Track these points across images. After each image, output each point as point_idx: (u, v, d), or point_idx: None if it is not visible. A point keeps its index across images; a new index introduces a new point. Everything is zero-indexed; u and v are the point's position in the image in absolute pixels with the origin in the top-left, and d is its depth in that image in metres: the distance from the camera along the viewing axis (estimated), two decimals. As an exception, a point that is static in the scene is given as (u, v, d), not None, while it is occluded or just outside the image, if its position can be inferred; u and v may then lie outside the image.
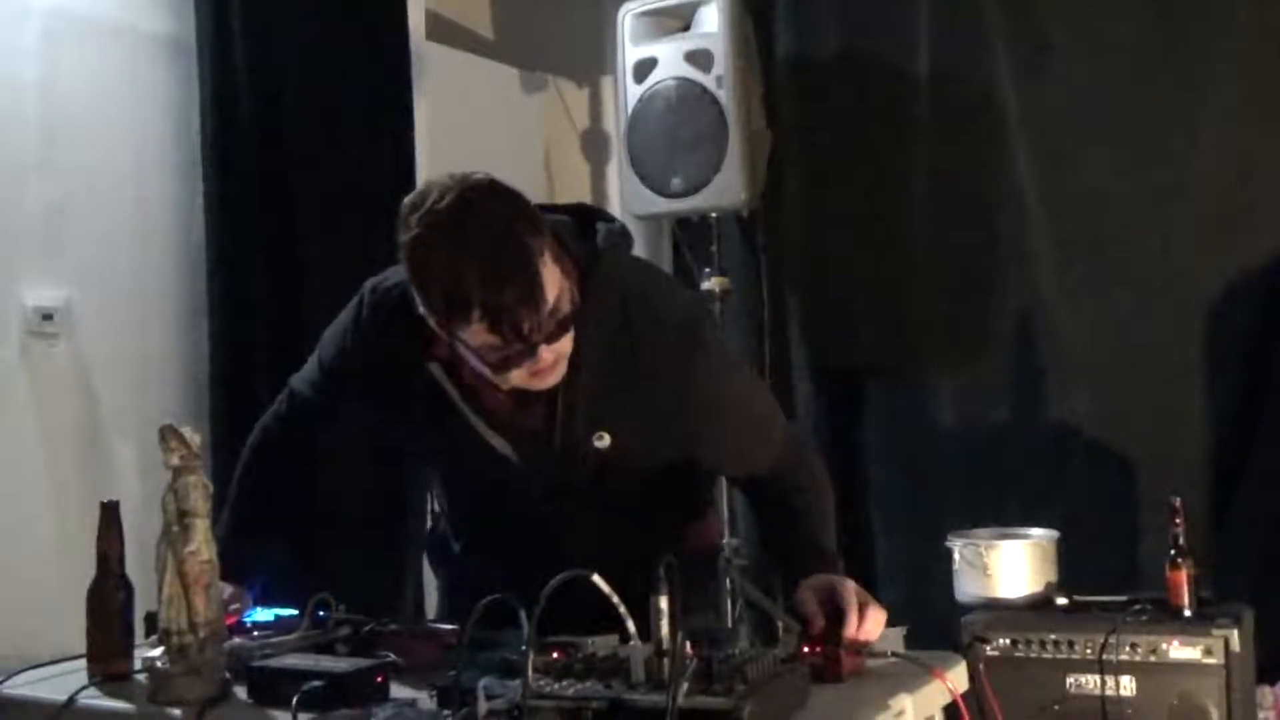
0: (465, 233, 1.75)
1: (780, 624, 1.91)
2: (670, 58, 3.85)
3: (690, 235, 4.18)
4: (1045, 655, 3.15)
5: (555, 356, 1.83)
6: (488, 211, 1.76)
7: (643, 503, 2.05)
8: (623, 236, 2.07)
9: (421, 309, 1.81)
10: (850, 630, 1.82)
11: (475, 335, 1.77)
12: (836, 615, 1.84)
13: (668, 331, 1.96)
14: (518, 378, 1.84)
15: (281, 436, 2.25)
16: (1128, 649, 3.06)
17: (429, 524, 2.43)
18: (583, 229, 2.01)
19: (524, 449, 1.99)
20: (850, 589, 1.89)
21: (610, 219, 2.08)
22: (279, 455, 2.25)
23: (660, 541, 1.98)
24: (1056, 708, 3.12)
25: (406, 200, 1.80)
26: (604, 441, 1.96)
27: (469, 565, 2.25)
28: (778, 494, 2.11)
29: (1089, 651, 3.09)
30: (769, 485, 2.12)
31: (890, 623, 1.90)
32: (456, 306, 1.75)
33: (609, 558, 1.90)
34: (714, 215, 3.93)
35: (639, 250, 4.53)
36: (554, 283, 1.78)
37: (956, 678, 1.81)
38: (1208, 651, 3.01)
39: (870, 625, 1.85)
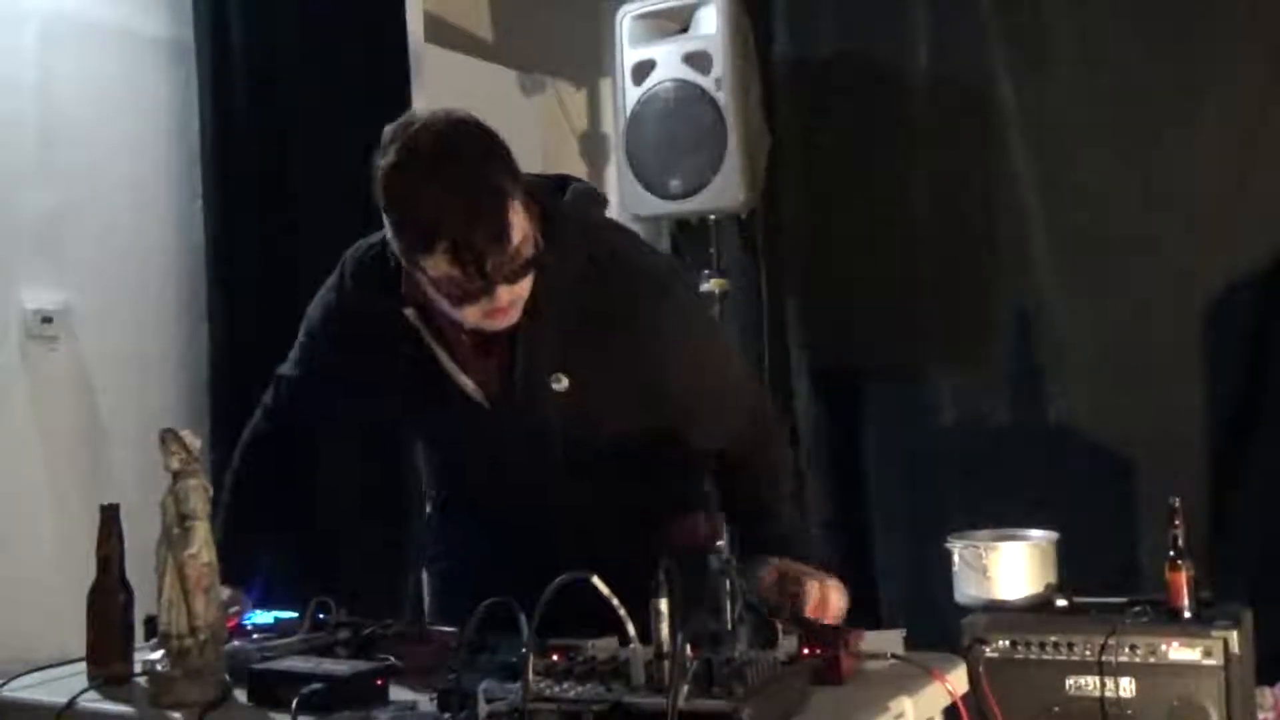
0: (442, 164, 1.79)
1: (780, 626, 1.91)
2: (669, 59, 3.85)
3: (689, 237, 4.18)
4: (1045, 657, 3.15)
5: (512, 298, 1.87)
6: (467, 147, 1.82)
7: (618, 471, 2.06)
8: (593, 196, 2.12)
9: (390, 235, 1.86)
10: (810, 609, 1.83)
11: (437, 266, 1.81)
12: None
13: (636, 282, 2.00)
14: (473, 315, 1.88)
15: (272, 433, 2.26)
16: (1127, 650, 3.06)
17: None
18: (557, 188, 2.07)
19: (491, 391, 2.01)
20: (806, 570, 1.94)
21: (583, 183, 2.13)
22: (271, 454, 2.26)
23: (640, 518, 2.02)
24: (1056, 709, 3.12)
25: (389, 127, 1.85)
26: (561, 384, 1.98)
27: (451, 534, 2.30)
28: (749, 488, 2.14)
29: (1089, 653, 3.09)
30: (737, 473, 2.15)
31: (890, 624, 1.90)
32: (424, 235, 1.80)
33: (588, 530, 1.96)
34: (713, 217, 3.93)
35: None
36: (520, 226, 1.82)
37: (956, 679, 1.81)
38: (1207, 653, 3.01)
39: (832, 605, 1.90)
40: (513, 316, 1.91)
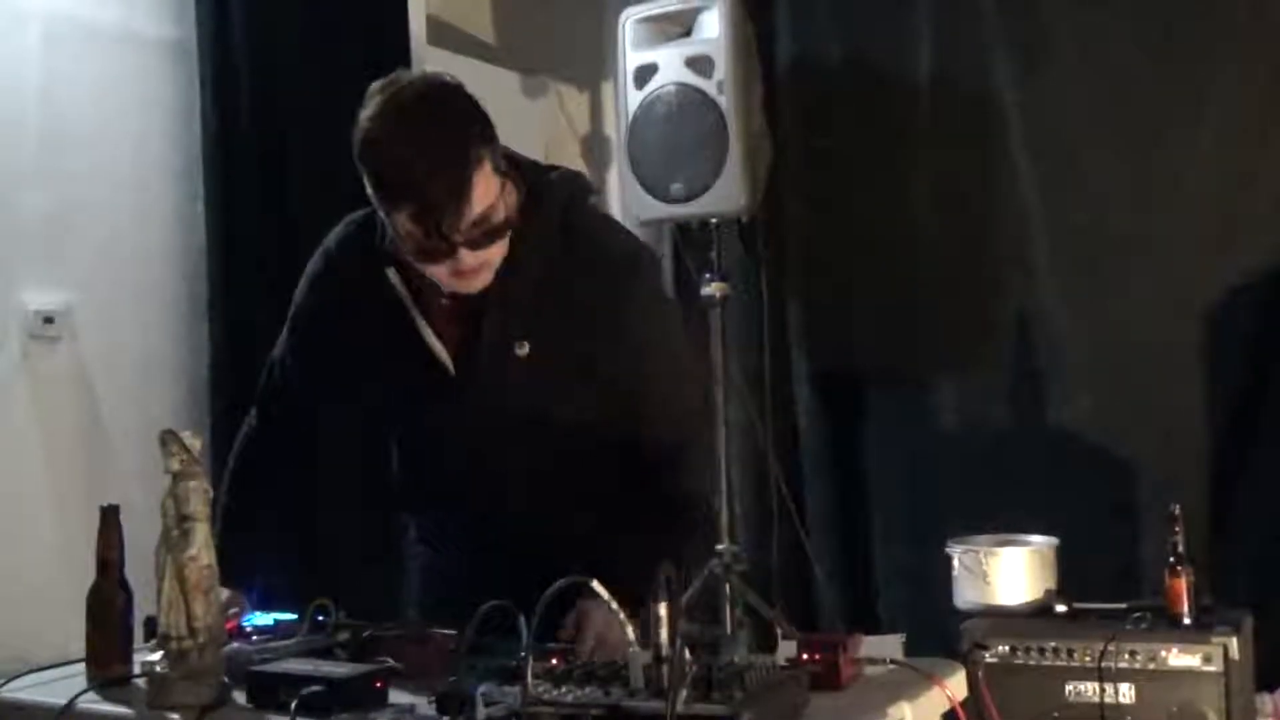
0: (414, 122, 1.87)
1: (779, 630, 1.92)
2: (671, 63, 3.84)
3: (690, 241, 4.18)
4: (1044, 663, 3.15)
5: (479, 263, 1.93)
6: (439, 109, 1.89)
7: (567, 443, 2.07)
8: (580, 181, 2.17)
9: (367, 187, 1.93)
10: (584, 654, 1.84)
11: (402, 222, 1.89)
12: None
13: (605, 259, 2.06)
14: (442, 274, 1.95)
15: (266, 430, 2.29)
16: (1127, 656, 3.06)
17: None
18: (546, 169, 2.13)
19: (458, 354, 2.06)
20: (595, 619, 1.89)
21: (573, 170, 2.20)
22: (267, 452, 2.28)
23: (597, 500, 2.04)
24: (1056, 715, 3.12)
25: (375, 83, 1.93)
26: (524, 350, 2.03)
27: (421, 521, 2.32)
28: (649, 507, 2.07)
29: (1088, 659, 3.09)
30: (643, 489, 2.08)
31: (889, 629, 1.90)
32: (390, 190, 1.89)
33: (543, 498, 2.01)
34: (714, 221, 3.92)
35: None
36: (487, 192, 1.88)
37: (955, 685, 1.81)
38: (1207, 659, 3.00)
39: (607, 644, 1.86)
40: (484, 278, 1.97)
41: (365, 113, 1.90)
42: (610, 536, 1.96)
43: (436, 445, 2.18)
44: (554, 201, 2.07)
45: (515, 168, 2.04)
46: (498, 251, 1.96)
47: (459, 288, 1.98)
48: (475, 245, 1.90)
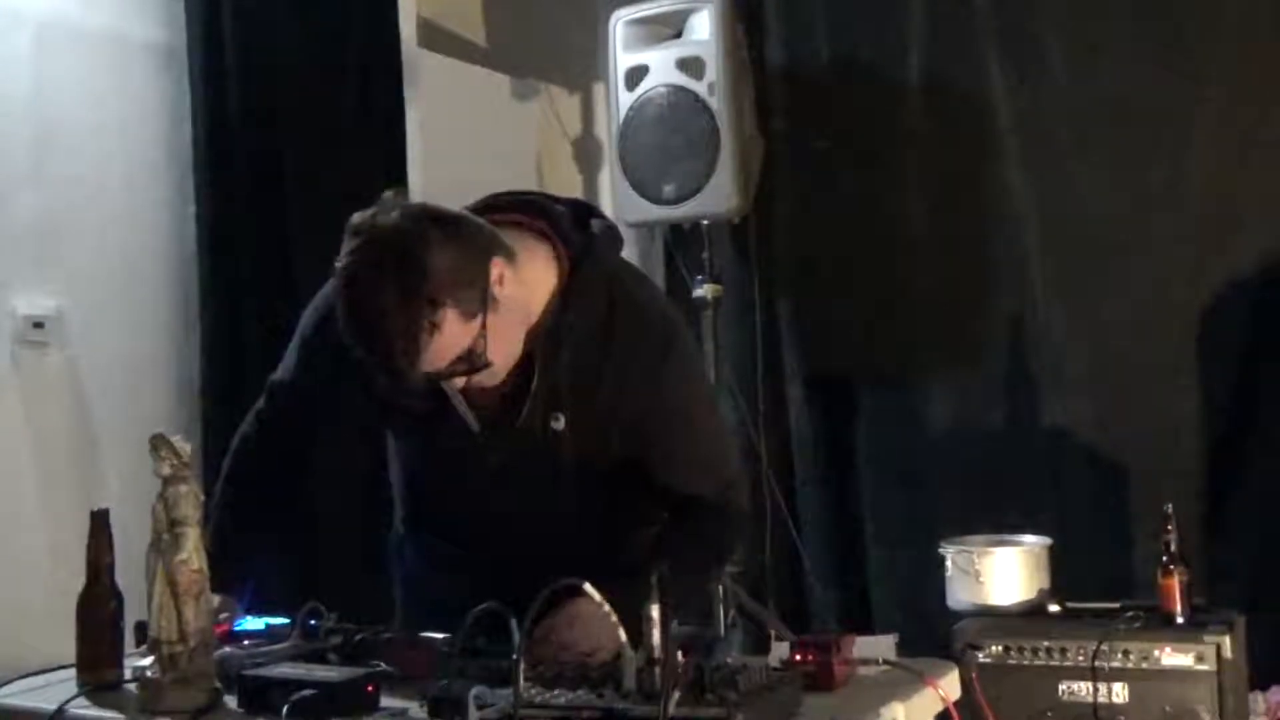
0: (361, 294, 1.86)
1: (772, 631, 1.92)
2: (662, 65, 3.84)
3: (682, 242, 4.18)
4: (1038, 662, 3.15)
5: (467, 382, 1.94)
6: (388, 279, 1.83)
7: (593, 503, 2.08)
8: (615, 235, 2.14)
9: None
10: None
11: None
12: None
13: (647, 336, 2.05)
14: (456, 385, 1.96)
15: (264, 440, 2.27)
16: (1120, 656, 3.06)
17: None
18: (579, 222, 2.09)
19: (486, 420, 2.05)
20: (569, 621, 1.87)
21: (604, 217, 2.16)
22: (262, 460, 2.26)
23: (608, 544, 2.03)
24: (1049, 715, 3.12)
25: (354, 219, 1.90)
26: (559, 424, 2.02)
27: (417, 550, 2.30)
28: (674, 532, 2.10)
29: (1081, 658, 3.09)
30: (675, 522, 2.11)
31: (882, 630, 1.90)
32: (355, 347, 1.89)
33: (555, 549, 1.95)
34: (706, 222, 3.92)
35: (631, 258, 4.54)
36: (454, 342, 1.87)
37: (949, 685, 1.81)
38: (1200, 658, 3.00)
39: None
40: (488, 383, 1.97)
41: (338, 263, 1.89)
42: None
43: (450, 487, 2.16)
44: (597, 280, 2.05)
45: (556, 234, 2.03)
46: (502, 364, 1.96)
47: (478, 384, 1.98)
48: (454, 377, 1.92)
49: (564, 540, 2.03)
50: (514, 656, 1.51)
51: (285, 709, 1.61)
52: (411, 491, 2.28)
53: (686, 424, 2.11)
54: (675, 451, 2.09)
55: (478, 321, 1.88)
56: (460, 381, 1.94)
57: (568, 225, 2.05)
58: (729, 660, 1.64)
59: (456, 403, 2.03)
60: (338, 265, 1.88)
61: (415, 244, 1.85)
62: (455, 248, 1.88)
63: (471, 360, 1.90)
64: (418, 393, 2.00)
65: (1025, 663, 3.16)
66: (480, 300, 1.88)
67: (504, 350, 1.95)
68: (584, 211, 2.13)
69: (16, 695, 1.90)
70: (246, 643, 1.99)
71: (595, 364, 2.02)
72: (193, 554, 1.76)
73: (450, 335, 1.86)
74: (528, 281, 1.99)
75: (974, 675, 3.08)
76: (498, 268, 1.91)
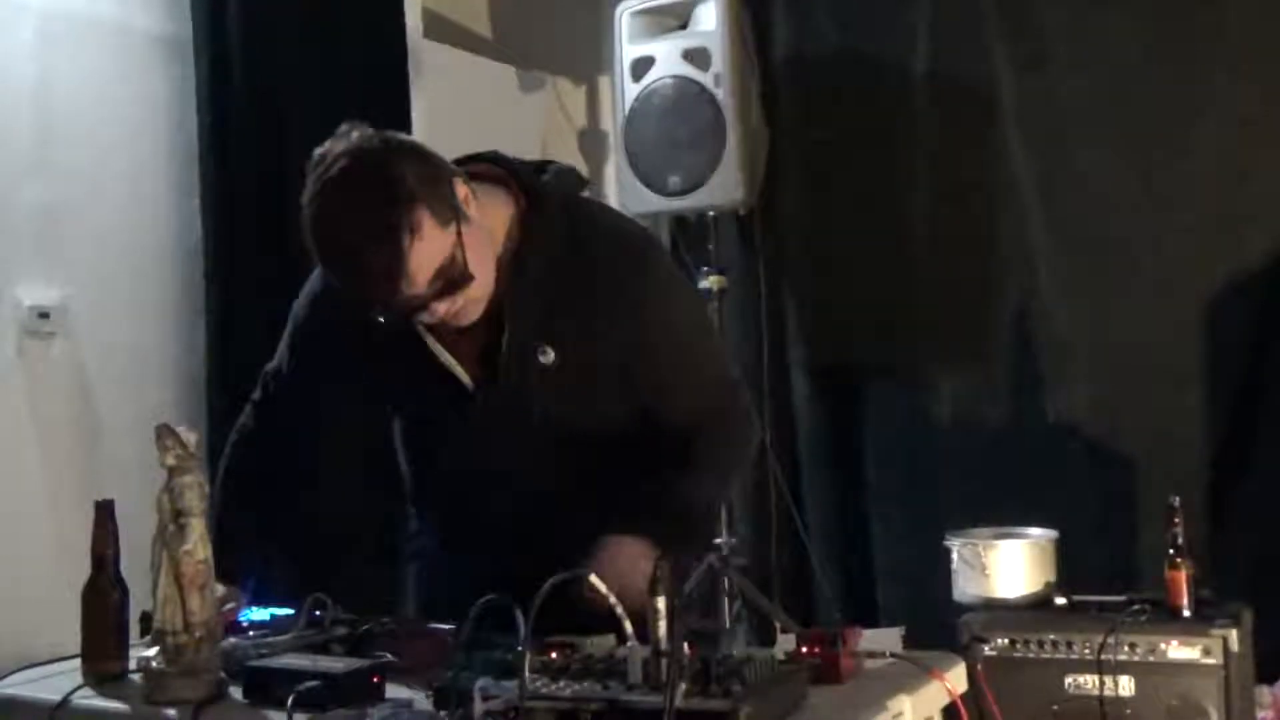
0: (336, 213, 1.85)
1: (778, 624, 1.91)
2: (668, 56, 3.84)
3: (688, 234, 4.18)
4: (1044, 655, 3.15)
5: (455, 308, 1.92)
6: (365, 189, 1.84)
7: (599, 457, 2.04)
8: (573, 174, 2.15)
9: None
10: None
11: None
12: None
13: (617, 251, 2.04)
14: (426, 320, 1.94)
15: (261, 429, 2.27)
16: (1126, 649, 3.06)
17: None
18: (537, 169, 2.11)
19: (477, 372, 2.04)
20: (616, 556, 1.87)
21: (563, 163, 2.17)
22: (262, 449, 2.26)
23: (609, 499, 2.00)
24: (1055, 708, 3.12)
25: (315, 152, 1.89)
26: (548, 357, 2.00)
27: (426, 529, 2.30)
28: (666, 470, 2.04)
29: (1087, 651, 3.09)
30: (672, 454, 2.05)
31: (889, 623, 1.89)
32: (334, 278, 1.92)
33: (560, 507, 1.98)
34: (711, 214, 3.92)
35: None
36: (433, 253, 1.84)
37: (955, 678, 1.80)
38: (1206, 651, 3.00)
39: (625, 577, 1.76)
40: (473, 313, 1.96)
41: (304, 194, 1.87)
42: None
43: (456, 453, 2.14)
44: (555, 200, 2.05)
45: (511, 175, 2.03)
46: (480, 288, 1.93)
47: (451, 324, 1.96)
48: (436, 301, 1.89)
49: (568, 498, 2.02)
50: (520, 647, 1.50)
51: (290, 700, 1.61)
52: (416, 467, 2.27)
53: (675, 328, 2.08)
54: (669, 362, 2.06)
55: (453, 229, 1.87)
56: (442, 308, 1.90)
57: (523, 169, 2.07)
58: (735, 652, 1.63)
59: (447, 361, 2.03)
60: (304, 199, 1.87)
61: (382, 156, 1.87)
62: (419, 161, 1.89)
63: (453, 274, 1.87)
64: (408, 355, 2.02)
65: (1031, 656, 3.16)
66: (452, 210, 1.87)
67: (482, 268, 1.93)
68: (542, 163, 2.15)
69: (21, 686, 1.89)
70: (251, 633, 1.98)
71: (567, 288, 1.99)
72: (198, 544, 1.76)
73: (430, 240, 1.83)
74: (488, 213, 1.98)
75: (980, 668, 3.08)
76: (461, 188, 1.92)
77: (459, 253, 1.87)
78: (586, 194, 2.21)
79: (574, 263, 2.01)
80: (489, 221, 1.98)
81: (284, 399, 2.24)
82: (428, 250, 1.84)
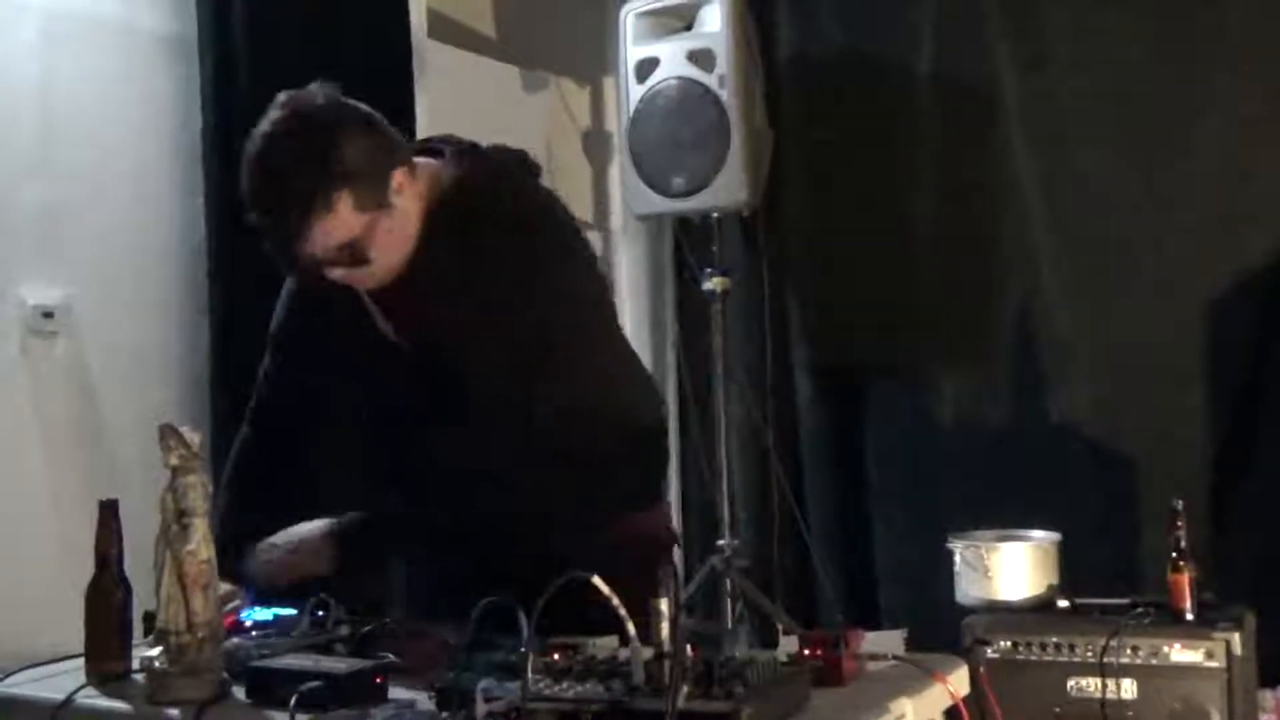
0: (270, 158, 1.96)
1: (780, 626, 1.91)
2: (672, 57, 3.84)
3: (692, 235, 4.18)
4: (1046, 658, 3.15)
5: (347, 275, 2.03)
6: (297, 145, 1.96)
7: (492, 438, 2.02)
8: (509, 158, 2.20)
9: None
10: None
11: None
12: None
13: (503, 225, 2.06)
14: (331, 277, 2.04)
15: (256, 433, 2.32)
16: (1129, 652, 3.06)
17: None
18: (478, 149, 2.19)
19: (403, 331, 2.13)
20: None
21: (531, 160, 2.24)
22: (263, 449, 2.31)
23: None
24: (1057, 710, 3.12)
25: (280, 94, 2.03)
26: (435, 336, 2.05)
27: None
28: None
29: (1090, 654, 3.09)
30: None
31: (891, 625, 1.89)
32: (252, 214, 1.99)
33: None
34: (716, 215, 3.92)
35: (641, 251, 4.54)
36: (341, 232, 1.96)
37: (957, 681, 1.80)
38: (1209, 654, 3.00)
39: None
40: (368, 284, 2.06)
41: (256, 128, 1.99)
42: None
43: (398, 432, 2.18)
44: (473, 175, 2.11)
45: (449, 154, 2.11)
46: (380, 269, 2.03)
47: (352, 284, 2.07)
48: (334, 267, 2.01)
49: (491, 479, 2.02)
50: (522, 649, 1.50)
51: (293, 700, 1.61)
52: (381, 451, 2.29)
53: (546, 291, 2.03)
54: (526, 318, 2.02)
55: (368, 217, 1.97)
56: (338, 273, 2.02)
57: (464, 149, 2.14)
58: (737, 654, 1.63)
59: (380, 322, 2.12)
60: (255, 130, 1.98)
61: (333, 124, 1.98)
62: (368, 142, 1.99)
63: (353, 251, 1.98)
64: (363, 331, 2.11)
65: (1034, 658, 3.16)
66: (377, 199, 1.98)
67: (386, 254, 2.02)
68: (495, 147, 2.21)
69: (24, 685, 1.90)
70: (254, 633, 1.99)
71: (469, 265, 2.04)
72: (201, 544, 1.76)
73: (341, 219, 1.95)
74: (416, 190, 2.05)
75: (982, 671, 3.08)
76: (399, 177, 2.01)
77: (369, 236, 1.98)
78: (542, 181, 2.24)
79: (465, 244, 2.06)
80: (415, 206, 2.05)
81: (274, 400, 2.31)
82: (335, 225, 1.96)
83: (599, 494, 2.10)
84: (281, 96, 2.02)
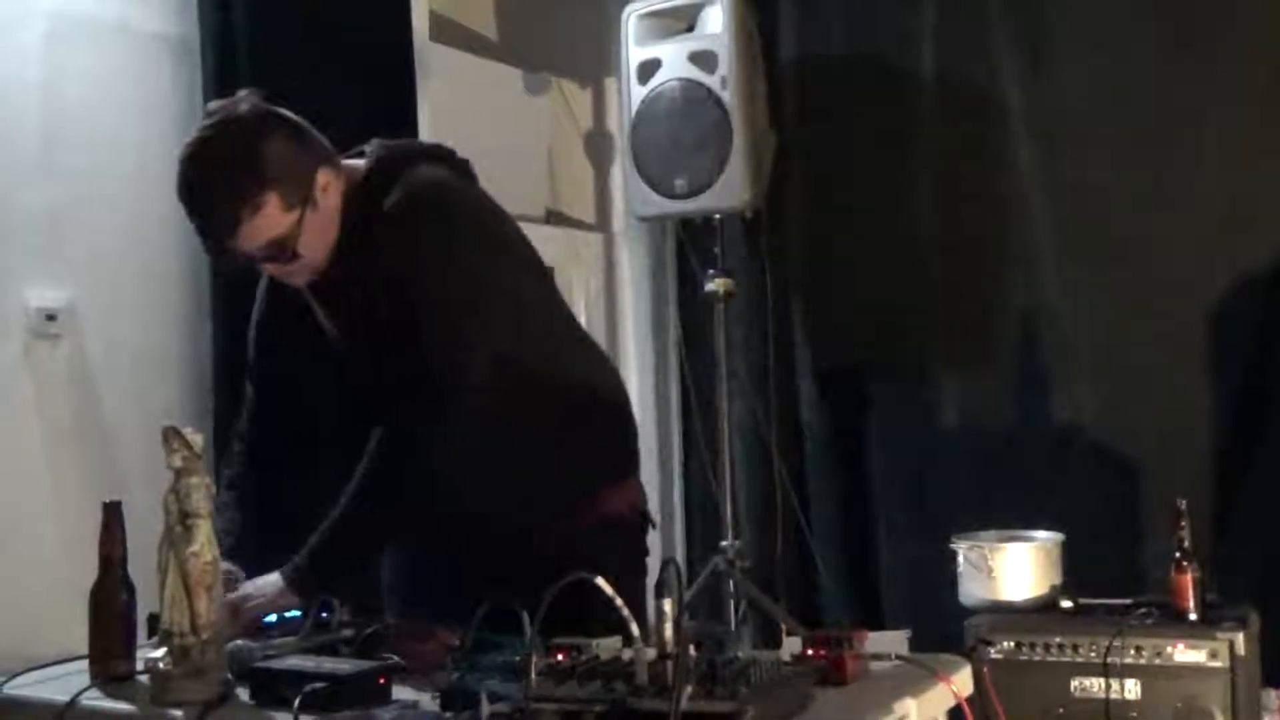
0: (197, 165, 2.09)
1: (784, 626, 1.91)
2: (674, 59, 3.84)
3: (694, 236, 4.18)
4: (1050, 658, 3.14)
5: (276, 270, 2.18)
6: (221, 159, 2.08)
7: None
8: (425, 148, 2.35)
9: None
10: None
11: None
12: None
13: (403, 204, 2.15)
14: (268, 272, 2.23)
15: (248, 430, 2.45)
16: (1133, 652, 3.05)
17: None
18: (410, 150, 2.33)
19: (338, 322, 2.26)
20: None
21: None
22: (257, 450, 2.41)
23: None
24: (1061, 711, 3.11)
25: (210, 104, 2.22)
26: (338, 326, 2.23)
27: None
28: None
29: (1094, 654, 3.08)
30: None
31: (894, 626, 1.89)
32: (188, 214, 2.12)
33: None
34: (718, 216, 3.92)
35: (643, 252, 4.54)
36: (269, 230, 2.08)
37: (961, 681, 1.80)
38: (1213, 655, 3.00)
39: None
40: (298, 279, 2.19)
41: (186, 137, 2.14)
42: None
43: (355, 425, 2.21)
44: (390, 168, 2.21)
45: (390, 157, 2.23)
46: (309, 264, 2.15)
47: (285, 279, 2.21)
48: (264, 261, 2.15)
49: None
50: (526, 650, 1.51)
51: (297, 701, 1.61)
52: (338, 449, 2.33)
53: (446, 281, 2.11)
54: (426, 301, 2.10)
55: (296, 215, 2.09)
56: (269, 268, 2.18)
57: (396, 152, 2.26)
58: (740, 654, 1.63)
59: (325, 322, 2.24)
60: (185, 139, 2.11)
61: (258, 130, 2.11)
62: (293, 145, 2.13)
63: (283, 248, 2.10)
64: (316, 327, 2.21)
65: (1037, 659, 3.15)
66: (302, 198, 2.10)
67: (312, 250, 2.13)
68: (431, 146, 2.34)
69: (29, 687, 1.90)
70: (259, 634, 1.99)
71: (361, 258, 2.15)
72: (204, 546, 1.76)
73: (268, 219, 2.07)
74: (338, 194, 2.17)
75: (986, 671, 3.07)
76: (325, 177, 2.14)
77: (296, 235, 2.10)
78: (473, 177, 2.32)
79: (371, 224, 2.15)
80: (334, 201, 2.16)
81: (258, 397, 2.43)
82: (263, 225, 2.08)
83: (554, 467, 2.19)
84: (212, 105, 2.18)
